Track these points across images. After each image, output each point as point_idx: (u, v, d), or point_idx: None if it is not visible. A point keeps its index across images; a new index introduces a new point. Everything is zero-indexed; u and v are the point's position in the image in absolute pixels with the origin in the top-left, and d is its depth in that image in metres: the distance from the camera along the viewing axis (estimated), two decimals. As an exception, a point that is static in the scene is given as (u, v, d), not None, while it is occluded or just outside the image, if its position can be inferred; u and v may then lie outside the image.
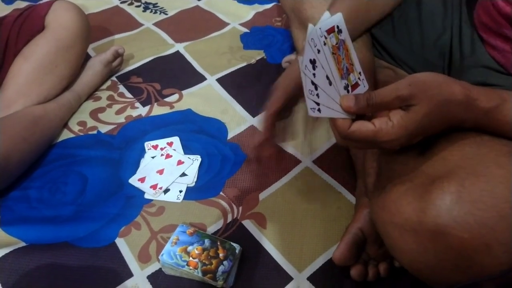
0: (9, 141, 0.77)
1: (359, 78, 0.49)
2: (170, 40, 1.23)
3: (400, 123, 0.45)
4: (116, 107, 1.00)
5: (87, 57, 1.06)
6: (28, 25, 0.92)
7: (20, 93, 0.87)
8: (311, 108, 0.45)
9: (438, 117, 0.46)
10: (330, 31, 0.45)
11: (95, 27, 1.15)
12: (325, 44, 0.44)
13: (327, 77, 0.45)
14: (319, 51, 0.44)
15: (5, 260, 0.69)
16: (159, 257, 0.67)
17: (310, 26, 0.43)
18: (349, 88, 0.47)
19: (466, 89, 0.46)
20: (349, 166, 0.84)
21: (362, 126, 0.46)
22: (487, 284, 0.44)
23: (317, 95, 0.45)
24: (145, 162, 0.87)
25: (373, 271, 0.65)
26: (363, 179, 0.72)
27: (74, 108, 0.98)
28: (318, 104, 0.45)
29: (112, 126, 0.95)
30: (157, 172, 0.84)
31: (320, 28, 0.44)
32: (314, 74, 0.44)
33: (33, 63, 0.90)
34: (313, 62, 0.44)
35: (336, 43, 0.46)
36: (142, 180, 0.83)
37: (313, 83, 0.44)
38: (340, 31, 0.47)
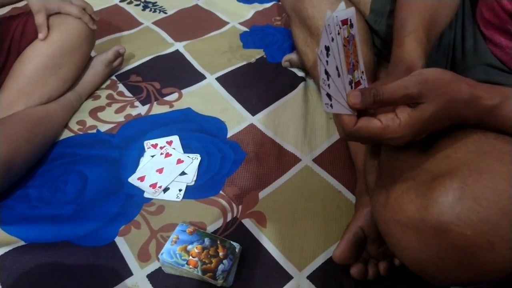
0: (12, 144, 0.76)
1: (361, 77, 0.49)
2: (169, 39, 1.23)
3: (407, 121, 0.45)
4: (116, 106, 1.00)
5: (87, 56, 1.06)
6: (33, 25, 0.91)
7: (22, 93, 0.87)
8: (325, 104, 0.46)
9: (444, 115, 0.46)
10: (344, 22, 0.45)
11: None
12: (338, 33, 0.44)
13: (337, 68, 0.45)
14: (333, 39, 0.44)
15: (5, 259, 0.68)
16: (159, 256, 0.66)
17: (328, 12, 0.43)
18: (353, 85, 0.47)
19: (471, 87, 0.46)
20: (349, 165, 0.84)
21: (369, 123, 0.46)
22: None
23: (328, 85, 0.45)
24: (145, 161, 0.86)
25: (373, 270, 0.65)
26: (363, 178, 0.72)
27: (75, 108, 0.98)
28: (330, 98, 0.45)
29: (111, 125, 0.95)
30: (157, 171, 0.84)
31: (336, 16, 0.44)
32: (327, 62, 0.44)
33: (37, 64, 0.89)
34: (327, 49, 0.44)
35: (347, 36, 0.46)
36: (141, 179, 0.83)
37: (326, 71, 0.44)
38: (351, 25, 0.47)
